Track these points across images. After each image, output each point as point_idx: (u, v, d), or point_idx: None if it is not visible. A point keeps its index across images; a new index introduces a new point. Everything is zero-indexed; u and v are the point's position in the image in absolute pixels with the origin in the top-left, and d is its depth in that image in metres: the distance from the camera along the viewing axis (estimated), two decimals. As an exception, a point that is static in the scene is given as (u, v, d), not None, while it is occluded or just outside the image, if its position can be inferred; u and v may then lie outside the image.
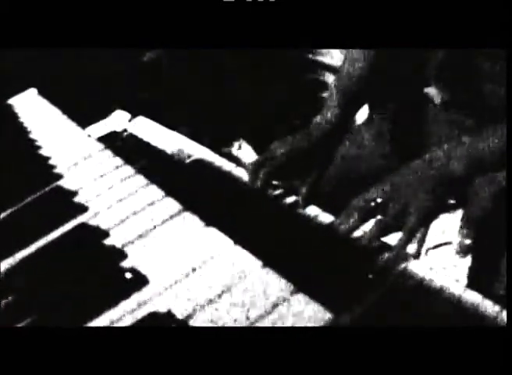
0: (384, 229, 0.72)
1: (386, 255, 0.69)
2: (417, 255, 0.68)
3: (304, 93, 1.72)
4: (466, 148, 0.76)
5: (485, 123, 0.77)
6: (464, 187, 0.81)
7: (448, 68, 0.93)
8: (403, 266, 0.66)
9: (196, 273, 0.72)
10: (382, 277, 0.65)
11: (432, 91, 0.98)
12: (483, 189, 0.89)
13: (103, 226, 0.86)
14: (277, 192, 0.87)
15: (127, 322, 0.67)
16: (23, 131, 1.42)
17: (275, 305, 0.63)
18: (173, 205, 0.88)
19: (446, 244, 0.82)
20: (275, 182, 0.89)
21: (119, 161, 1.08)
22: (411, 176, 0.75)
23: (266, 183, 0.87)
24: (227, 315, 0.64)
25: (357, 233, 0.74)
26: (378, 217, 0.73)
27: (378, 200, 0.74)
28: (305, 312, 0.61)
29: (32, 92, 1.69)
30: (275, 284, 0.66)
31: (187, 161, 1.03)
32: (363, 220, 0.74)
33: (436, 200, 0.74)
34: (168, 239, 0.80)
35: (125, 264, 0.77)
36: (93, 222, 0.89)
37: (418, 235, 0.73)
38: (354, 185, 0.82)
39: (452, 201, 0.90)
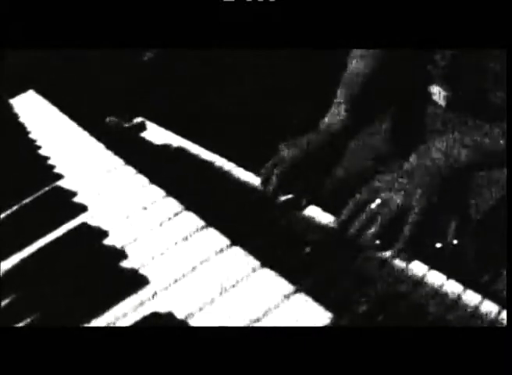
0: (382, 227, 0.72)
1: (387, 253, 0.69)
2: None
3: (303, 92, 1.72)
4: (471, 137, 0.76)
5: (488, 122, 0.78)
6: (467, 178, 0.81)
7: (452, 67, 0.93)
8: (403, 265, 0.66)
9: (196, 273, 0.72)
10: (381, 277, 0.65)
11: (435, 90, 0.98)
12: (483, 189, 0.89)
13: (103, 226, 0.86)
14: (286, 197, 0.86)
15: (127, 322, 0.67)
16: (23, 131, 1.43)
17: (275, 305, 0.63)
18: (173, 205, 0.88)
19: (445, 243, 0.82)
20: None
21: (119, 161, 1.08)
22: (416, 166, 0.75)
23: (278, 188, 0.86)
24: (227, 315, 0.64)
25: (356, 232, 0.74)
26: (377, 216, 0.73)
27: (378, 200, 0.74)
28: (305, 312, 0.61)
29: (32, 92, 1.69)
30: (275, 284, 0.66)
31: (187, 161, 1.03)
32: (363, 219, 0.74)
33: (438, 192, 0.74)
34: (168, 239, 0.80)
35: (125, 264, 0.77)
36: (93, 222, 0.89)
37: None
38: (357, 184, 0.82)
39: (451, 201, 0.90)
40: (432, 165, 0.75)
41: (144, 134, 1.21)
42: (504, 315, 0.56)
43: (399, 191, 0.73)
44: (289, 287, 0.65)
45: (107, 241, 0.83)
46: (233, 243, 0.76)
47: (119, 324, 0.67)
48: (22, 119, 1.53)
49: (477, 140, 0.77)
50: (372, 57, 0.97)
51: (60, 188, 1.03)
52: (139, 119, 1.28)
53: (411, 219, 0.71)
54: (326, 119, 0.95)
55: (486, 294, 0.60)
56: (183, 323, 0.64)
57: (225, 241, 0.76)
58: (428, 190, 0.73)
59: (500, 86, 0.86)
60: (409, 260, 0.67)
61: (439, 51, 0.94)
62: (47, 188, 1.05)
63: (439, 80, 0.97)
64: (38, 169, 1.16)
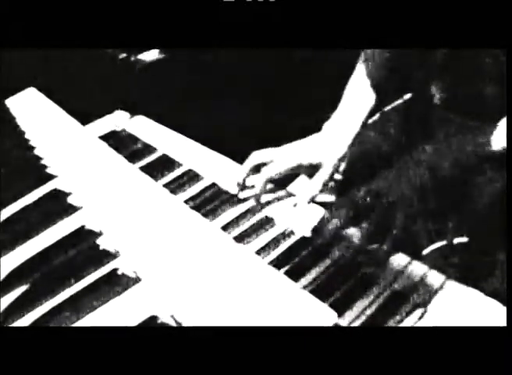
0: (373, 231, 0.72)
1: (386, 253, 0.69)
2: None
3: (303, 92, 1.72)
4: (453, 148, 0.78)
5: (485, 124, 0.78)
6: (453, 187, 0.81)
7: (450, 67, 0.93)
8: (403, 265, 0.67)
9: (196, 272, 0.72)
10: (381, 277, 0.65)
11: (433, 90, 0.98)
12: (481, 188, 0.89)
13: (100, 226, 0.86)
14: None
15: (126, 322, 0.67)
16: (22, 130, 1.43)
17: (276, 305, 0.63)
18: (174, 204, 0.88)
19: (445, 243, 0.83)
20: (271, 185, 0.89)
21: (118, 160, 1.08)
22: (399, 174, 0.76)
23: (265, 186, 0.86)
24: (227, 314, 0.64)
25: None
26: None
27: (368, 199, 0.75)
28: (308, 312, 0.61)
29: (32, 92, 1.69)
30: (277, 284, 0.66)
31: (187, 160, 1.03)
32: (352, 218, 0.74)
33: (423, 199, 0.75)
34: (168, 238, 0.80)
35: (122, 264, 0.77)
36: (91, 222, 0.89)
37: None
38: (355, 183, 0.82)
39: (450, 200, 0.90)
40: (412, 178, 0.76)
41: (143, 134, 1.21)
42: (504, 315, 0.57)
43: (394, 189, 0.74)
44: (289, 287, 0.65)
45: (104, 241, 0.83)
46: (234, 241, 0.76)
47: (117, 324, 0.67)
48: (21, 119, 1.52)
49: (458, 151, 0.78)
50: (380, 59, 0.98)
51: (57, 188, 1.03)
52: (138, 117, 1.28)
53: (402, 218, 0.72)
54: (331, 122, 0.95)
55: (486, 293, 0.60)
56: (182, 323, 0.64)
57: (227, 240, 0.76)
58: (418, 190, 0.74)
59: (498, 86, 0.86)
60: (408, 260, 0.67)
61: (435, 51, 0.94)
62: (43, 188, 1.05)
63: (435, 81, 0.98)
64: (36, 169, 1.16)
